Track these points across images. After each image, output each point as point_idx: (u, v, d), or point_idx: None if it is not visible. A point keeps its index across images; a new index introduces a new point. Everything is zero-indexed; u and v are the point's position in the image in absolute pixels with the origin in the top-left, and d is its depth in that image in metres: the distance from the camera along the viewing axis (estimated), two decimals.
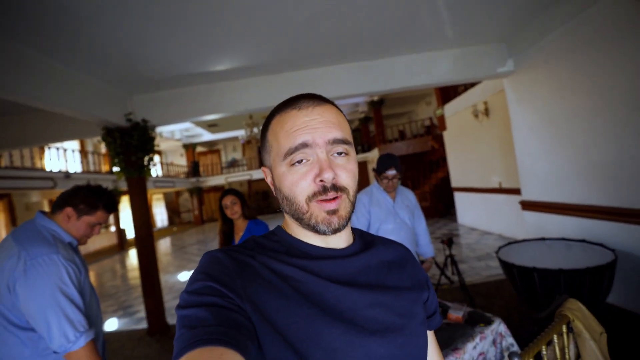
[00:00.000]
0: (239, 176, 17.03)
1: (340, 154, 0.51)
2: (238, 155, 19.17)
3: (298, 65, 3.53)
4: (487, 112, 5.92)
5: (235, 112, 3.79)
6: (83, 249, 11.24)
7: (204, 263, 0.49)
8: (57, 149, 10.08)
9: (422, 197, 9.84)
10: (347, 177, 0.51)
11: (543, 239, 2.93)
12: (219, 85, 3.69)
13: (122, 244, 12.03)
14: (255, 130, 10.51)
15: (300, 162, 0.50)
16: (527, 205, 3.90)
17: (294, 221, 0.54)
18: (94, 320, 1.31)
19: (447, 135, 8.01)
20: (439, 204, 9.67)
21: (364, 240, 0.61)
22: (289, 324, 0.44)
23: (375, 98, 11.66)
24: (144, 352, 3.29)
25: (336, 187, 0.49)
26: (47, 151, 10.38)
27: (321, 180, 0.49)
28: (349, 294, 0.49)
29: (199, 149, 18.41)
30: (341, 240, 0.56)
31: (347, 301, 0.49)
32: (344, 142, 0.51)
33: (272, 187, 0.57)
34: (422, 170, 11.25)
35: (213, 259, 0.49)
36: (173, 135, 14.52)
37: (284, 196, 0.53)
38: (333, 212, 0.49)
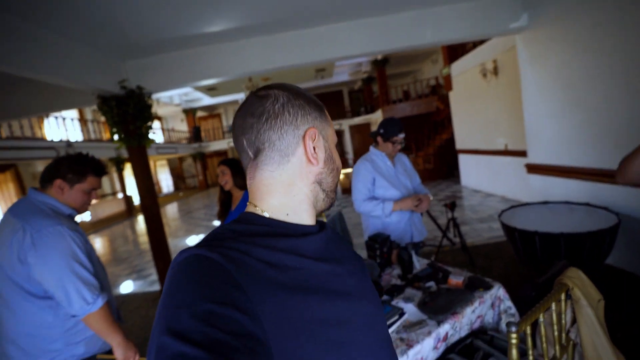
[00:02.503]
0: None
1: None
2: None
3: (297, 24, 3.32)
4: (495, 71, 5.66)
5: (233, 75, 3.65)
6: (93, 216, 11.55)
7: (198, 269, 0.37)
8: (56, 117, 9.96)
9: (425, 159, 9.78)
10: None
11: (546, 202, 2.93)
12: (214, 47, 3.51)
13: (130, 210, 12.30)
14: None
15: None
16: (533, 168, 3.86)
17: (311, 196, 0.52)
18: (103, 286, 1.36)
19: (453, 96, 7.76)
20: (442, 165, 9.63)
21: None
22: (299, 324, 0.40)
23: (379, 57, 11.16)
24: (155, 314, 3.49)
25: None
26: (46, 121, 10.27)
27: None
28: (331, 269, 0.50)
29: (200, 113, 18.11)
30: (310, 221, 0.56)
31: (333, 276, 0.49)
32: None
33: (313, 152, 0.50)
34: (426, 131, 11.06)
35: (208, 263, 0.38)
36: (172, 100, 14.22)
37: (336, 167, 0.54)
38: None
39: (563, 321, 1.08)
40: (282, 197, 0.50)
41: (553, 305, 1.03)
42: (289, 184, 0.50)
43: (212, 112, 18.69)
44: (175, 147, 15.21)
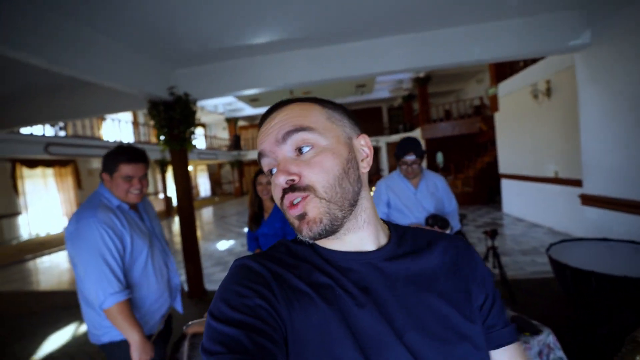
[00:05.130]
0: None
1: (300, 149, 0.46)
2: None
3: (341, 38, 3.33)
4: (548, 92, 5.29)
5: (275, 86, 3.73)
6: None
7: (238, 272, 0.46)
8: (112, 120, 10.85)
9: (465, 181, 9.32)
10: (311, 172, 0.45)
11: (605, 239, 2.60)
12: (259, 59, 3.62)
13: (169, 210, 12.92)
14: None
15: (271, 172, 0.49)
16: (589, 200, 3.48)
17: None
18: (138, 280, 1.41)
19: (498, 117, 7.36)
20: (483, 190, 9.11)
21: (403, 240, 0.53)
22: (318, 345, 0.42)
23: (422, 74, 10.99)
24: (185, 312, 3.53)
25: (298, 188, 0.44)
26: (104, 122, 11.22)
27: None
28: (375, 314, 0.43)
29: (241, 123, 18.87)
30: (365, 242, 0.50)
31: (373, 324, 0.43)
32: (296, 130, 0.45)
33: None
34: (467, 153, 10.59)
35: (247, 269, 0.46)
36: (216, 108, 14.96)
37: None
38: (301, 217, 0.45)
39: None
40: None
41: None
42: None
43: (253, 122, 19.40)
44: (216, 154, 15.88)
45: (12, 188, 8.98)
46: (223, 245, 6.91)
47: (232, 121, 17.02)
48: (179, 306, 1.69)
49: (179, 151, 3.79)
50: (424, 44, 3.35)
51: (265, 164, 0.48)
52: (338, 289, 0.44)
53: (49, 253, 7.44)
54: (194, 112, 3.71)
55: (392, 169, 15.68)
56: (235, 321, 0.39)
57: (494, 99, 7.36)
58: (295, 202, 0.44)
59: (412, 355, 0.41)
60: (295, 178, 0.44)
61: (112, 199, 1.39)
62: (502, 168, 7.37)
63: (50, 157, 7.93)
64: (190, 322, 1.08)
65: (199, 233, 8.55)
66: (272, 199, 2.18)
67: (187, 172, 3.94)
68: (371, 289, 0.45)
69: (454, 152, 10.59)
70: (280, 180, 0.44)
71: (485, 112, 10.57)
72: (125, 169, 1.36)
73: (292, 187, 0.44)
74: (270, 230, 2.11)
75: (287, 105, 0.49)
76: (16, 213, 9.18)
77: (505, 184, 7.31)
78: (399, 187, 2.02)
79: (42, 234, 9.77)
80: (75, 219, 1.30)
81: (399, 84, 13.36)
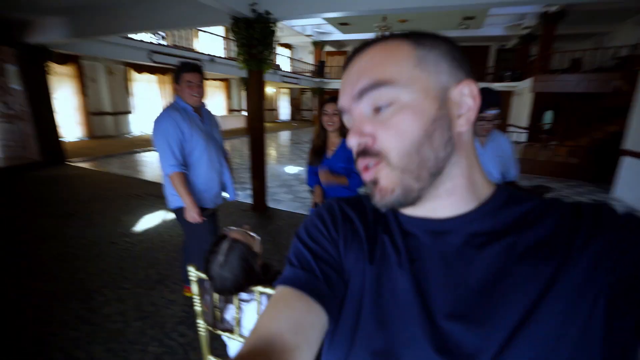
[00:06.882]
0: None
1: (379, 108, 0.39)
2: None
3: None
4: None
5: (365, 10, 3.32)
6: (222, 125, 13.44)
7: (323, 208, 0.51)
8: (205, 33, 11.29)
9: (572, 152, 7.80)
10: (386, 135, 0.39)
11: None
12: None
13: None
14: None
15: None
16: None
17: None
18: (193, 164, 1.92)
19: None
20: (593, 165, 7.56)
21: (499, 212, 0.41)
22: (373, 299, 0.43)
23: (554, 8, 8.72)
24: (246, 222, 3.94)
25: (370, 153, 0.40)
26: (199, 35, 11.77)
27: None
28: (410, 283, 0.41)
29: (328, 48, 18.04)
30: (438, 209, 0.42)
31: (405, 292, 0.41)
32: (372, 86, 0.39)
33: None
34: (586, 118, 8.65)
35: (330, 208, 0.50)
36: (304, 30, 14.41)
37: None
38: (373, 183, 0.41)
39: None
40: None
41: None
42: None
43: (341, 48, 18.40)
44: (298, 78, 15.82)
45: (125, 89, 10.43)
46: (291, 169, 7.25)
47: (318, 45, 16.35)
48: (229, 193, 2.22)
49: (256, 72, 3.79)
50: None
51: (346, 120, 0.44)
52: (388, 249, 0.44)
53: (151, 150, 8.77)
54: (272, 32, 3.57)
55: None
56: (308, 247, 0.46)
57: None
58: (368, 166, 0.41)
59: (442, 340, 0.37)
60: (369, 140, 0.40)
61: (180, 102, 1.88)
62: (631, 143, 5.89)
63: (153, 64, 8.78)
64: (232, 227, 1.15)
65: (272, 153, 9.10)
66: (339, 133, 2.03)
67: (262, 93, 3.97)
68: (421, 258, 0.42)
69: (569, 114, 8.71)
70: (352, 143, 0.41)
71: (632, 67, 8.17)
72: (187, 76, 1.83)
73: (364, 151, 0.40)
74: (331, 169, 1.97)
75: (370, 48, 0.41)
76: (128, 111, 10.80)
77: (628, 163, 5.91)
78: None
79: (147, 132, 11.47)
80: (157, 116, 1.83)
81: (519, 19, 10.94)
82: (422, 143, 0.38)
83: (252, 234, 1.15)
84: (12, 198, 4.66)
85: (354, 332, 0.42)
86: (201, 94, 1.89)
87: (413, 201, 0.40)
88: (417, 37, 0.40)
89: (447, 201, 0.41)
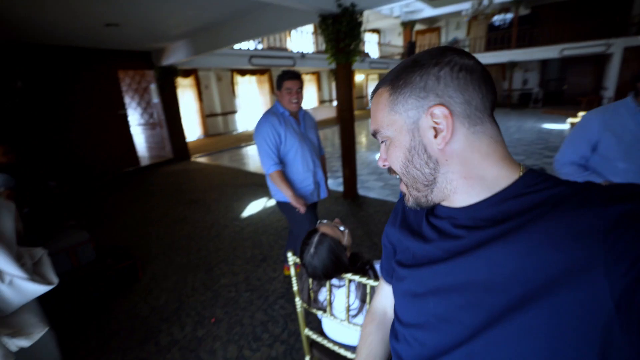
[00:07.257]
0: None
1: (384, 141, 0.54)
2: (461, 34, 16.44)
3: None
4: None
5: None
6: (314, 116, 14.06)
7: (396, 205, 0.71)
8: (297, 32, 11.84)
9: None
10: (390, 163, 0.54)
11: None
12: None
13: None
14: (485, 2, 8.33)
15: None
16: None
17: None
18: (289, 163, 2.10)
19: None
20: None
21: (515, 199, 0.45)
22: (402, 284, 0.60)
23: None
24: (337, 209, 4.12)
25: (391, 170, 0.55)
26: (291, 34, 12.43)
27: None
28: (430, 271, 0.53)
29: (418, 26, 16.91)
30: (453, 201, 0.52)
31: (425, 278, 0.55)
32: (374, 132, 0.54)
33: None
34: None
35: (399, 202, 0.69)
36: (392, 12, 13.80)
37: None
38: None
39: None
40: None
41: None
42: None
43: (432, 24, 17.04)
44: (388, 63, 15.32)
45: (231, 92, 11.85)
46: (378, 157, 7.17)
47: (408, 25, 15.42)
48: (322, 191, 2.32)
49: (344, 65, 3.86)
50: None
51: None
52: (425, 229, 0.56)
53: (253, 144, 9.80)
54: (359, 24, 3.57)
55: (619, 88, 11.05)
56: (384, 243, 0.71)
57: None
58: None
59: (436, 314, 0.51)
60: (387, 164, 0.55)
61: (279, 107, 2.07)
62: None
63: (252, 67, 9.70)
64: (324, 221, 1.26)
65: (362, 141, 9.14)
66: None
67: (351, 85, 4.05)
68: (429, 240, 0.54)
69: None
70: (379, 164, 0.56)
71: None
72: (287, 84, 1.98)
73: (389, 169, 0.55)
74: None
75: (374, 95, 0.54)
76: (234, 111, 12.27)
77: None
78: (625, 125, 1.35)
79: (250, 129, 12.82)
80: (258, 120, 2.05)
81: None
82: (407, 166, 0.51)
83: (341, 227, 1.23)
84: (155, 188, 5.89)
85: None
86: (300, 100, 2.02)
87: (427, 204, 0.52)
88: (395, 79, 0.49)
89: (456, 197, 0.50)
